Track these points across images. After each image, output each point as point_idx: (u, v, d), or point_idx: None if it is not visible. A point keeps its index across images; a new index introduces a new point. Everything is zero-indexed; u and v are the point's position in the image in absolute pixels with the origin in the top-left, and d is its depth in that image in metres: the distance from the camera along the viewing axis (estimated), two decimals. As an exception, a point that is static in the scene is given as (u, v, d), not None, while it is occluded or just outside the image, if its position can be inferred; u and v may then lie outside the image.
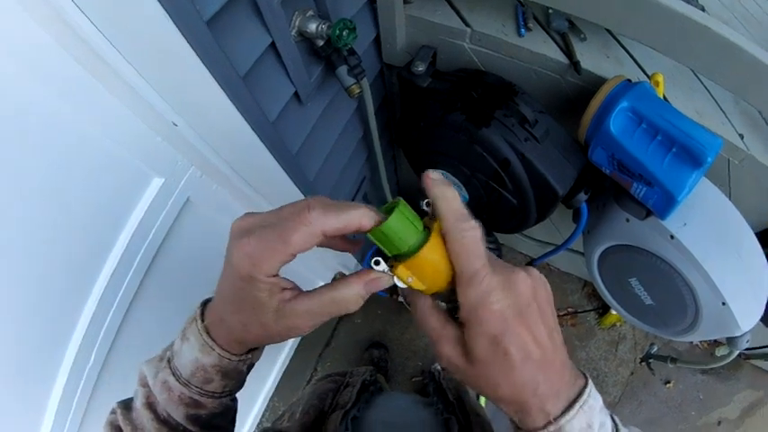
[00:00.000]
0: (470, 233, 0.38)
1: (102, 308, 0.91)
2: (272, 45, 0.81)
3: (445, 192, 0.39)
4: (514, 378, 0.38)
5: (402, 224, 0.38)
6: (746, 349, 1.89)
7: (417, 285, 0.40)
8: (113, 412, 0.48)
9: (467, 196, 1.17)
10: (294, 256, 0.37)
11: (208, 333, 0.42)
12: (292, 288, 0.40)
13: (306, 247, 0.37)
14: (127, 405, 0.48)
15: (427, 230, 0.40)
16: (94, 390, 0.98)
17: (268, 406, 2.16)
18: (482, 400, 2.07)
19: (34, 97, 0.65)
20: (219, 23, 0.69)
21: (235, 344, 0.42)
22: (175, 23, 0.61)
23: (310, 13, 0.85)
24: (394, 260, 0.40)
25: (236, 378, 0.46)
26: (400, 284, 0.40)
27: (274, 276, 0.38)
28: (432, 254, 0.38)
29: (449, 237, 0.38)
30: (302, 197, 1.12)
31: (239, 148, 0.92)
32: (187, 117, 0.83)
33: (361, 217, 0.37)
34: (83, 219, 0.82)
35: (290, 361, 2.21)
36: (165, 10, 0.59)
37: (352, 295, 0.39)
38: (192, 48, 0.65)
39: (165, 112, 0.81)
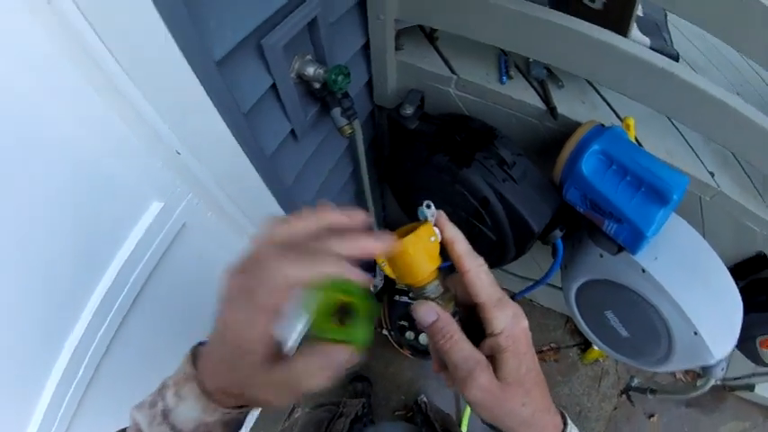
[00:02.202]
0: (484, 267, 0.44)
1: (93, 324, 0.92)
2: (273, 86, 0.87)
3: (458, 234, 0.45)
4: (536, 395, 0.43)
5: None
6: (730, 380, 1.93)
7: (388, 271, 0.45)
8: None
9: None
10: (273, 311, 0.36)
11: (208, 396, 0.41)
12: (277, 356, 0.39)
13: (280, 301, 0.35)
14: None
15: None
16: (80, 405, 0.98)
17: (248, 439, 2.12)
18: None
19: (48, 116, 0.69)
20: (228, 64, 0.74)
21: (227, 400, 0.41)
22: (189, 62, 0.66)
23: (309, 57, 0.91)
24: None
25: (236, 426, 0.46)
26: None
27: (265, 340, 0.37)
28: (409, 246, 0.42)
29: (471, 273, 0.43)
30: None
31: (237, 179, 0.97)
32: (190, 147, 0.88)
33: (333, 266, 0.36)
34: (83, 235, 0.84)
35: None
36: (181, 49, 0.64)
37: (306, 370, 0.37)
38: (202, 85, 0.70)
39: (170, 141, 0.86)
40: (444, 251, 0.46)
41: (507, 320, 0.43)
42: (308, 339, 0.38)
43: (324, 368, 0.37)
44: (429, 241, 0.44)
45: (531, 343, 0.44)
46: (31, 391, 0.88)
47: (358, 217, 0.41)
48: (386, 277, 2.06)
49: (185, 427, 0.42)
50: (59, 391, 0.91)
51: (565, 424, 0.46)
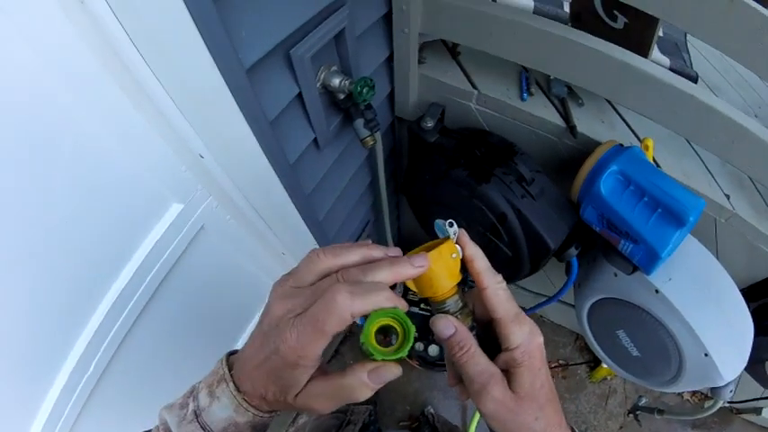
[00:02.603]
0: (502, 285, 0.47)
1: (108, 320, 0.93)
2: (299, 95, 0.88)
3: (478, 252, 0.47)
4: (548, 410, 0.45)
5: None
6: (737, 402, 1.91)
7: (410, 284, 0.47)
8: None
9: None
10: (333, 336, 0.39)
11: (244, 397, 0.43)
12: (318, 368, 0.42)
13: (341, 329, 0.39)
14: None
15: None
16: (88, 400, 0.98)
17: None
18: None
19: (73, 115, 0.70)
20: (257, 72, 0.75)
21: (263, 404, 0.44)
22: (219, 69, 0.67)
23: (335, 68, 0.92)
24: None
25: (262, 429, 0.48)
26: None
27: (319, 357, 0.40)
28: (432, 262, 0.44)
29: (490, 289, 0.46)
30: (311, 235, 1.18)
31: (258, 185, 0.98)
32: (214, 151, 0.89)
33: (385, 301, 0.40)
34: (103, 233, 0.86)
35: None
36: (212, 56, 0.65)
37: (357, 383, 0.40)
38: (231, 92, 0.71)
39: (195, 145, 0.87)
40: (464, 268, 0.48)
41: (524, 336, 0.44)
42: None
43: (373, 383, 0.40)
44: (451, 258, 0.46)
45: (545, 359, 0.46)
46: (41, 383, 0.89)
47: (394, 253, 0.45)
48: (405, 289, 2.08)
49: (215, 426, 0.43)
50: (69, 385, 0.91)
51: None
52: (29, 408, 0.88)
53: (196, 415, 0.44)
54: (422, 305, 1.95)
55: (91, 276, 0.89)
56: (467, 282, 0.49)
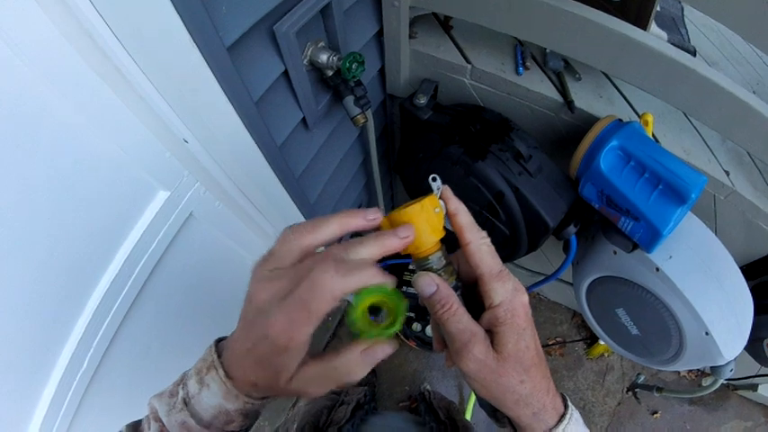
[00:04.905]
0: (487, 240, 0.45)
1: (98, 315, 0.92)
2: (285, 73, 0.85)
3: (461, 207, 0.46)
4: (535, 373, 0.43)
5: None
6: (733, 380, 1.92)
7: None
8: None
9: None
10: (322, 317, 0.38)
11: (233, 384, 0.42)
12: (307, 352, 0.41)
13: (329, 310, 0.38)
14: (136, 428, 0.47)
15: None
16: (84, 395, 0.98)
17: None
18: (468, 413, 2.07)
19: (52, 105, 0.68)
20: (239, 50, 0.73)
21: (253, 391, 0.43)
22: (198, 47, 0.64)
23: (322, 44, 0.89)
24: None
25: (254, 417, 0.47)
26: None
27: (308, 341, 0.39)
28: (413, 216, 0.43)
29: (473, 244, 0.44)
30: (303, 219, 1.15)
31: (246, 169, 0.95)
32: (198, 135, 0.86)
33: (372, 277, 0.39)
34: (89, 225, 0.84)
35: (277, 381, 2.17)
36: (190, 34, 0.62)
37: (352, 363, 0.40)
38: (212, 71, 0.68)
39: (178, 129, 0.84)
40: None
41: (507, 293, 0.43)
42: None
43: (366, 362, 0.40)
44: (433, 213, 0.45)
45: (531, 320, 0.44)
46: (36, 381, 0.87)
47: (373, 215, 0.44)
48: (392, 269, 2.06)
49: (205, 414, 0.43)
50: (64, 382, 0.91)
51: (565, 407, 0.46)
52: (25, 406, 0.87)
53: (185, 403, 0.43)
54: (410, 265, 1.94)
55: (79, 269, 0.87)
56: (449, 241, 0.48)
